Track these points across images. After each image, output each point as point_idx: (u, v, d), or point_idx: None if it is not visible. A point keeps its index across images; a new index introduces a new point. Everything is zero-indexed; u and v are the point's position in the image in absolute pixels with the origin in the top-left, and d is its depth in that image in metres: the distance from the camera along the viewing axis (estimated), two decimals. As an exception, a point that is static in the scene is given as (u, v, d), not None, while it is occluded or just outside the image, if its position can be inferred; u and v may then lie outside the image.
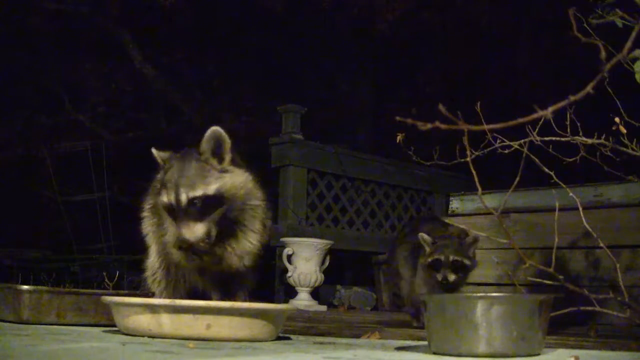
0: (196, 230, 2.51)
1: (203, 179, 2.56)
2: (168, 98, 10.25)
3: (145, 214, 2.95)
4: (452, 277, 3.11)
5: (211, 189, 2.56)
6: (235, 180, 2.63)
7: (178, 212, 2.53)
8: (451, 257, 3.11)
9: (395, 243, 3.71)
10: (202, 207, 2.53)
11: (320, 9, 9.36)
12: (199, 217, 2.52)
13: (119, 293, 3.12)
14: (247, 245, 2.73)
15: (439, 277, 3.12)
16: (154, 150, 2.72)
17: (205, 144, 2.59)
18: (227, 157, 2.63)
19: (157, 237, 2.88)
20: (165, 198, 2.56)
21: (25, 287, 2.86)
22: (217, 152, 2.61)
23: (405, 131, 2.94)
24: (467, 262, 3.14)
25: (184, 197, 2.52)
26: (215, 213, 2.56)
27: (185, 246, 2.53)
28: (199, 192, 2.53)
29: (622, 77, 2.37)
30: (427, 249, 3.18)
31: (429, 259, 3.14)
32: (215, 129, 2.61)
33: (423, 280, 3.28)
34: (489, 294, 2.02)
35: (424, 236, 3.18)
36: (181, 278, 2.89)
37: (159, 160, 2.70)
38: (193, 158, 2.60)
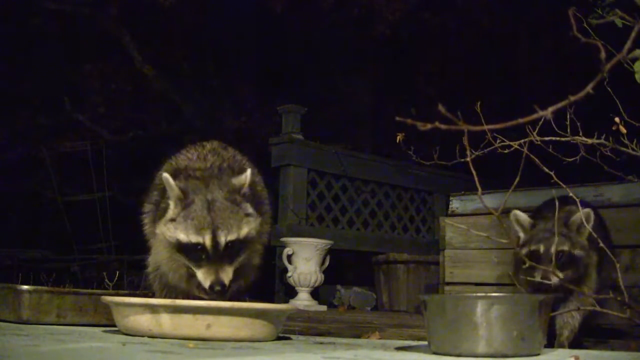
0: (229, 273, 2.46)
1: (237, 222, 2.50)
2: (168, 98, 10.24)
3: (145, 219, 2.90)
4: (555, 280, 2.27)
5: (242, 232, 2.51)
6: (255, 225, 2.58)
7: (212, 254, 2.45)
8: (553, 247, 2.27)
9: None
10: (231, 250, 2.48)
11: (320, 9, 9.36)
12: (230, 260, 2.47)
13: (119, 293, 3.12)
14: (248, 279, 2.75)
15: (537, 276, 2.29)
16: (167, 177, 2.52)
17: (246, 188, 2.55)
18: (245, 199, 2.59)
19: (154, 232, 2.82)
20: (195, 238, 2.45)
21: (25, 287, 2.86)
22: (244, 192, 2.57)
23: (405, 131, 2.94)
24: (578, 252, 2.34)
25: (222, 240, 2.45)
26: (241, 256, 2.53)
27: (219, 289, 2.43)
28: (234, 236, 2.48)
29: (622, 77, 2.37)
30: (522, 236, 2.45)
31: (524, 251, 2.37)
32: (253, 171, 2.60)
33: (523, 281, 2.39)
34: (489, 294, 2.02)
35: (518, 215, 2.38)
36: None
37: (175, 191, 2.51)
38: (221, 194, 2.52)
